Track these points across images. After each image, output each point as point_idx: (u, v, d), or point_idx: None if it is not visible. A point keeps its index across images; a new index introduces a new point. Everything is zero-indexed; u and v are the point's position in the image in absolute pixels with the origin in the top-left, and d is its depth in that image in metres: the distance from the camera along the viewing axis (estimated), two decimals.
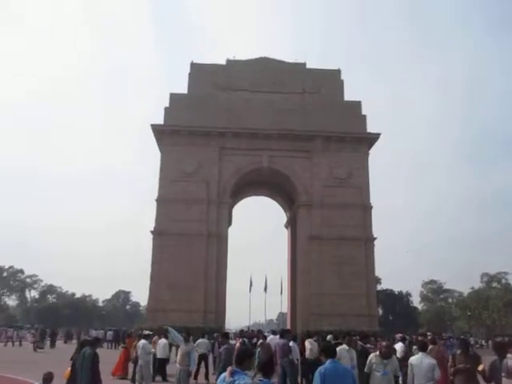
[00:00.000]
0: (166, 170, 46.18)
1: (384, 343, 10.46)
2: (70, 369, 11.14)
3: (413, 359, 9.65)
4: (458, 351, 10.29)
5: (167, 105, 47.96)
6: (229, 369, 6.00)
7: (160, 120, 47.51)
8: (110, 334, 48.55)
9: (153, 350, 18.30)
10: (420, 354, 9.64)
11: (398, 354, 14.33)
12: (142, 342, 17.33)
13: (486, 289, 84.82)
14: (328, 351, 7.10)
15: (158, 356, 20.39)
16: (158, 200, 45.65)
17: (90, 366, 9.96)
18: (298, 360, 16.23)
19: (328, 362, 6.88)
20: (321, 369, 6.86)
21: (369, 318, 43.15)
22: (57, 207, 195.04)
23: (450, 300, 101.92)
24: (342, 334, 26.55)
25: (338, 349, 10.03)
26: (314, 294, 43.69)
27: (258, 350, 16.32)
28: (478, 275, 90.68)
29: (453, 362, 10.07)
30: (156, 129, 46.98)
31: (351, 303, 42.45)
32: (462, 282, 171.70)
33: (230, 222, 51.79)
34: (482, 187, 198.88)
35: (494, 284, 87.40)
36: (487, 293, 75.58)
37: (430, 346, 12.76)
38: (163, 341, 21.11)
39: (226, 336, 17.68)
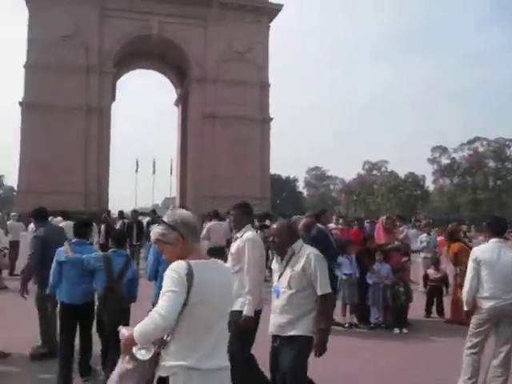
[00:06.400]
0: (36, 30, 39.34)
1: None
2: None
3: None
4: None
5: None
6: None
7: None
8: None
9: None
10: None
11: None
12: None
13: (367, 175, 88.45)
14: None
15: None
16: (26, 66, 39.21)
17: None
18: None
19: None
20: None
21: (262, 201, 41.61)
22: None
23: (331, 187, 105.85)
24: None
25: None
26: (206, 177, 41.13)
27: None
28: (359, 164, 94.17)
29: None
30: None
31: (245, 186, 40.47)
32: (344, 170, 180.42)
33: (113, 97, 46.40)
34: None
35: (375, 172, 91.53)
36: (372, 179, 78.59)
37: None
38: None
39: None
